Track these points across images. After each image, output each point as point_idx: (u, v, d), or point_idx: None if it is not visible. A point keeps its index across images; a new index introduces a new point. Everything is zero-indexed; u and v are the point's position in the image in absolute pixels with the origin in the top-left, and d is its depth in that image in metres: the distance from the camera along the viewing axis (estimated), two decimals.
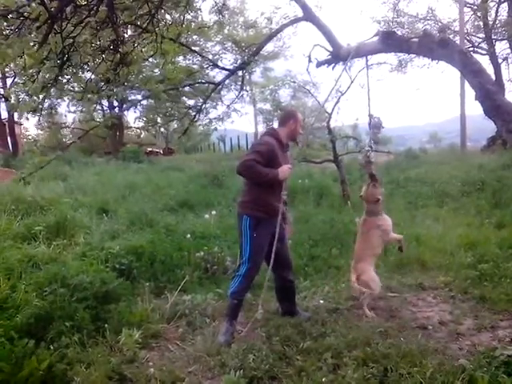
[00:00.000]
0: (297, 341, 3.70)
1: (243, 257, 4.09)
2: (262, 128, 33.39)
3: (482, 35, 22.98)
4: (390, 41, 4.61)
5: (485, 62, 20.96)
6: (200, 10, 7.06)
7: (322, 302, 4.71)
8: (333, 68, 5.60)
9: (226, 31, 19.46)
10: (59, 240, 6.13)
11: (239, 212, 4.15)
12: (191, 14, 7.06)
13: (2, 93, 25.69)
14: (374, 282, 4.50)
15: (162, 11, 5.50)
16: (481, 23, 22.24)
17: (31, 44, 3.80)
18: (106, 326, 3.92)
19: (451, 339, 3.85)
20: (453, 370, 3.06)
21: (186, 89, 18.64)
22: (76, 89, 12.84)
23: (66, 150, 14.41)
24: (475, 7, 22.32)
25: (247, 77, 13.34)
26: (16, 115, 23.18)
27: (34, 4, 3.38)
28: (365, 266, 4.55)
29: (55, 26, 3.70)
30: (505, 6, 20.95)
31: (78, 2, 3.99)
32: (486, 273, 5.14)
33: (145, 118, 31.34)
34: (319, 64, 5.65)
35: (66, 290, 4.11)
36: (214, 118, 12.52)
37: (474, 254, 5.80)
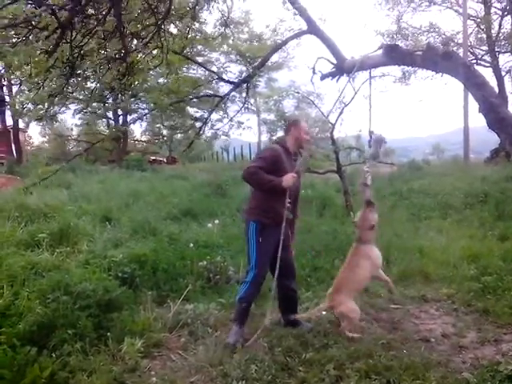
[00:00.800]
0: (299, 352, 3.69)
1: (250, 263, 4.13)
2: (265, 138, 33.51)
3: (485, 48, 23.08)
4: (393, 54, 4.64)
5: (488, 74, 21.03)
6: (205, 21, 7.12)
7: (324, 313, 4.69)
8: (337, 80, 5.64)
9: (230, 42, 19.58)
10: (62, 247, 6.15)
11: (246, 218, 4.21)
12: (196, 25, 7.12)
13: (8, 100, 25.92)
14: (354, 311, 4.18)
15: (168, 23, 5.55)
16: (484, 36, 22.34)
17: (38, 52, 3.84)
18: (109, 334, 3.92)
19: (454, 352, 3.83)
20: None
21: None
22: (81, 97, 12.94)
23: (71, 161, 14.44)
24: (478, 20, 22.44)
25: (251, 88, 13.41)
26: (21, 122, 23.35)
27: (43, 14, 3.43)
28: (344, 299, 4.20)
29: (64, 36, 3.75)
30: (508, 18, 21.10)
31: (86, 13, 4.04)
32: (489, 285, 5.12)
33: (150, 131, 31.52)
34: (323, 77, 5.69)
35: (69, 297, 4.11)
36: (220, 131, 12.62)
37: (477, 267, 5.78)
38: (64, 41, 3.81)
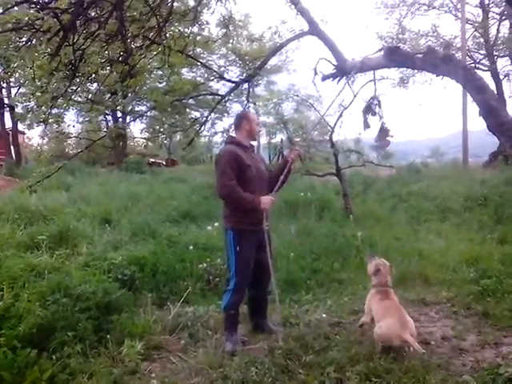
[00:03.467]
0: (299, 354, 3.68)
1: (230, 271, 4.11)
2: (264, 140, 33.50)
3: (483, 52, 23.16)
4: (394, 56, 4.65)
5: (487, 78, 21.06)
6: (207, 22, 7.14)
7: (324, 315, 4.70)
8: (337, 82, 5.64)
9: (230, 45, 19.63)
10: (62, 249, 6.15)
11: (223, 226, 4.18)
12: (197, 27, 7.13)
13: (7, 102, 25.91)
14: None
15: (170, 24, 5.57)
16: (482, 40, 22.42)
17: (41, 56, 3.85)
18: (108, 336, 3.93)
19: (454, 355, 3.83)
20: None
21: (191, 101, 18.75)
22: (81, 99, 12.94)
23: (72, 159, 14.44)
24: (477, 24, 22.53)
25: (252, 90, 13.44)
26: (20, 125, 23.33)
27: (46, 17, 3.43)
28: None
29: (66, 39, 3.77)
30: (506, 23, 21.17)
31: (88, 16, 4.05)
32: (488, 288, 5.12)
33: (150, 129, 31.48)
34: (324, 78, 5.69)
35: (69, 299, 4.12)
36: (220, 131, 12.60)
37: (476, 270, 5.78)
38: (66, 43, 3.82)
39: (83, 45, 3.93)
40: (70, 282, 4.41)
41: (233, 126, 4.56)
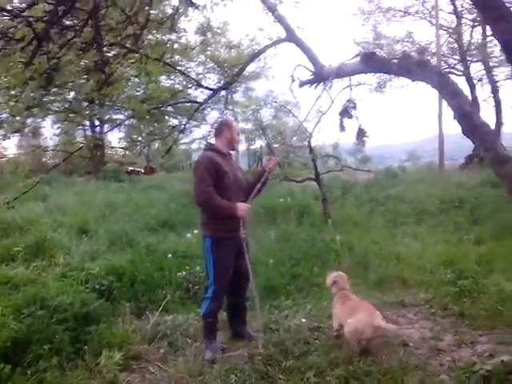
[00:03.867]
0: (279, 360, 3.69)
1: (209, 278, 4.11)
2: (243, 147, 33.51)
3: (457, 57, 23.64)
4: (370, 62, 4.71)
5: (461, 82, 21.51)
6: (185, 30, 7.14)
7: (304, 320, 4.71)
8: (315, 88, 5.69)
9: (208, 52, 19.61)
10: (38, 261, 6.06)
11: (201, 234, 4.18)
12: (175, 34, 7.11)
13: None
14: None
15: (147, 32, 5.55)
16: (456, 45, 22.89)
17: (14, 65, 3.80)
18: (86, 348, 3.88)
19: (432, 355, 3.88)
20: None
21: (169, 108, 18.65)
22: (57, 109, 12.79)
23: (49, 173, 14.20)
24: (450, 30, 22.99)
25: (229, 96, 13.45)
26: None
27: (19, 25, 3.40)
28: None
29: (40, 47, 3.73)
30: (478, 29, 21.66)
31: (63, 24, 4.02)
32: (465, 289, 5.20)
33: (128, 138, 31.20)
34: (302, 84, 5.73)
35: (45, 311, 4.05)
36: (199, 138, 12.55)
37: (453, 271, 5.87)
38: (41, 52, 3.78)
39: (58, 53, 3.89)
40: (47, 294, 4.34)
41: (212, 133, 4.56)
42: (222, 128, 4.35)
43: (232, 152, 4.48)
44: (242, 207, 4.02)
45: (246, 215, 4.09)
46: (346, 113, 5.35)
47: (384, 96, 23.25)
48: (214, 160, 4.06)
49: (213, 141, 4.47)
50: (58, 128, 24.26)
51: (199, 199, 4.01)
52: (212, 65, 23.59)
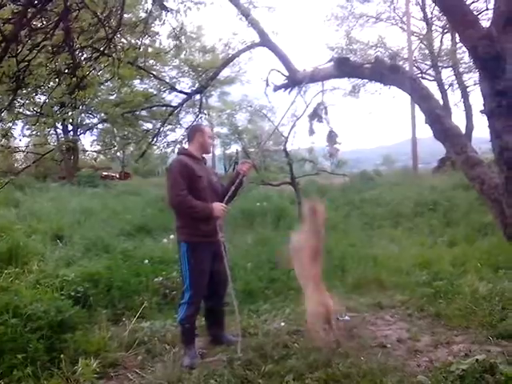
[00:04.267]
0: (259, 364, 3.66)
1: (185, 284, 4.07)
2: (219, 152, 33.48)
3: (428, 62, 24.09)
4: (343, 67, 4.77)
5: (433, 88, 21.90)
6: (158, 34, 7.10)
7: (283, 324, 4.70)
8: (289, 92, 5.73)
9: (182, 56, 19.56)
10: (11, 268, 5.88)
11: (177, 238, 4.15)
12: (148, 38, 7.08)
13: None
14: None
15: (119, 35, 5.50)
16: (427, 51, 23.33)
17: None
18: (62, 356, 3.76)
19: (409, 356, 3.91)
20: None
21: (143, 112, 18.53)
22: (29, 113, 12.53)
23: (19, 175, 13.89)
24: (421, 36, 23.43)
25: (204, 101, 13.42)
26: None
27: None
28: None
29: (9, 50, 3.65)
30: (448, 36, 22.13)
31: (33, 26, 3.94)
32: (440, 290, 5.27)
33: (102, 142, 30.82)
34: (276, 88, 5.77)
35: (19, 320, 3.93)
36: (173, 142, 12.46)
37: (428, 273, 5.95)
38: (9, 55, 3.70)
39: (28, 56, 3.81)
40: (20, 302, 4.21)
41: (186, 138, 4.53)
42: (194, 133, 4.33)
43: (206, 156, 4.46)
44: (217, 207, 4.01)
45: (222, 216, 4.07)
46: (315, 115, 5.38)
47: (358, 100, 23.59)
48: (187, 164, 4.04)
49: (186, 145, 4.45)
50: (28, 129, 23.74)
51: (174, 202, 3.98)
52: (186, 69, 23.52)
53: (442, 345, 4.11)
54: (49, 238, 7.96)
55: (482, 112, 3.10)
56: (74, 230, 8.86)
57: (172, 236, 7.46)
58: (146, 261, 6.17)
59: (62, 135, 27.59)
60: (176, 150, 13.19)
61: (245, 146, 18.24)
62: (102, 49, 4.87)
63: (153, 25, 7.34)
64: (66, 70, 4.58)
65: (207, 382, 3.37)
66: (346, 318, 4.89)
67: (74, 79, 4.74)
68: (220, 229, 4.07)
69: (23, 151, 27.62)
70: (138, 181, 26.05)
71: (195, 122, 11.99)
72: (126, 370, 3.90)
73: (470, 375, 3.11)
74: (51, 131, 27.07)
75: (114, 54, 5.12)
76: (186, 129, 11.97)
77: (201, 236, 3.99)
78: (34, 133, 22.69)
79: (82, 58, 5.12)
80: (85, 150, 32.96)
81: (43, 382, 3.49)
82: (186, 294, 4.03)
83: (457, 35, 18.70)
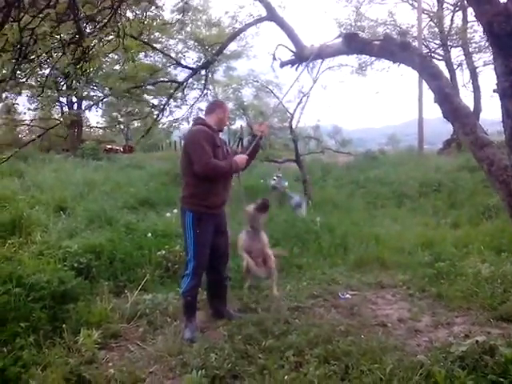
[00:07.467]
0: (259, 339, 3.69)
1: (188, 254, 4.07)
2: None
3: (438, 41, 23.67)
4: (352, 43, 4.65)
5: (441, 67, 21.52)
6: (163, 6, 6.97)
7: (283, 300, 4.73)
8: (296, 68, 5.63)
9: (188, 29, 19.25)
10: (15, 238, 5.91)
11: (182, 207, 4.15)
12: (154, 11, 6.95)
13: None
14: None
15: (124, 7, 5.39)
16: (437, 30, 22.91)
17: None
18: (64, 326, 3.81)
19: (410, 336, 3.94)
20: (411, 366, 3.12)
21: (149, 87, 18.35)
22: (34, 84, 12.42)
23: (23, 148, 13.85)
24: (432, 14, 22.98)
25: (210, 75, 13.26)
26: None
27: None
28: None
29: (12, 15, 3.58)
30: (459, 14, 21.68)
31: None
32: (442, 271, 5.29)
33: (107, 117, 30.70)
34: (283, 64, 5.66)
35: (22, 289, 3.97)
36: (179, 118, 12.33)
37: (431, 253, 5.96)
38: (12, 19, 3.62)
39: (31, 23, 3.74)
40: (23, 272, 4.25)
41: (194, 114, 4.52)
42: (215, 107, 4.35)
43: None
44: (240, 160, 4.12)
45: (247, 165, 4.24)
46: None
47: (365, 79, 23.28)
48: (209, 133, 4.06)
49: (203, 116, 4.44)
50: (33, 102, 23.56)
51: (206, 170, 3.94)
52: (192, 42, 23.21)
53: (442, 325, 4.14)
54: (52, 210, 7.96)
55: (494, 91, 3.02)
56: (77, 202, 8.87)
57: (175, 210, 7.45)
58: (149, 234, 6.18)
59: (67, 108, 27.46)
60: (181, 127, 13.09)
61: (249, 121, 18.04)
62: (107, 19, 4.77)
63: None
64: (71, 40, 4.50)
65: (208, 356, 3.40)
66: (347, 295, 4.93)
67: (79, 50, 4.67)
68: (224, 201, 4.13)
69: (28, 125, 27.56)
70: (141, 154, 25.92)
71: (201, 98, 11.90)
72: (127, 341, 3.95)
73: (470, 356, 3.11)
74: (56, 104, 27.00)
75: (119, 24, 5.02)
76: (192, 105, 11.88)
77: (207, 207, 4.01)
78: (39, 106, 22.58)
79: (88, 29, 5.03)
80: (91, 126, 32.87)
81: (45, 350, 3.52)
82: (190, 265, 4.05)
83: (469, 12, 18.41)
